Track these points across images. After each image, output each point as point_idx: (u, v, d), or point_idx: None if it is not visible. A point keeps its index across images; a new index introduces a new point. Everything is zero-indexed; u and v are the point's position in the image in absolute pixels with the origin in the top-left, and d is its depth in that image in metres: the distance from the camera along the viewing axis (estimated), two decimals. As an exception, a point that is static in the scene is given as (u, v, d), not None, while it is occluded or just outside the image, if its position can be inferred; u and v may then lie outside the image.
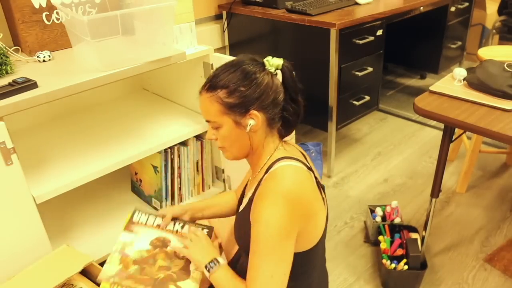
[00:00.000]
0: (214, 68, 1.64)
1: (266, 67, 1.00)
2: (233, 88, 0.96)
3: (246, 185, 1.16)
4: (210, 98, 0.97)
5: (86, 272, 1.23)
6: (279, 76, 1.01)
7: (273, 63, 0.99)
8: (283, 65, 1.00)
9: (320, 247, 1.05)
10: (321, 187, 1.04)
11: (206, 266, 1.01)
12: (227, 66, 0.99)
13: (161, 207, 1.72)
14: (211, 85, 0.98)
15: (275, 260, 0.90)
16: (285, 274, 0.91)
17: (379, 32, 2.18)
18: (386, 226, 1.72)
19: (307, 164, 1.02)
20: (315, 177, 1.03)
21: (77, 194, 1.86)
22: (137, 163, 1.76)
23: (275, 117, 1.00)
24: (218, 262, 1.01)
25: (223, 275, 0.99)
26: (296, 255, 0.96)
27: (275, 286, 0.90)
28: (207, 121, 1.01)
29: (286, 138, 1.07)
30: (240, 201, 1.16)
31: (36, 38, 1.44)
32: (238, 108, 0.96)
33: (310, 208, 0.96)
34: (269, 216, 0.90)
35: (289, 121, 1.03)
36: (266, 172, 0.98)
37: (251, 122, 0.97)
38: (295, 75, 1.03)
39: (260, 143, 1.02)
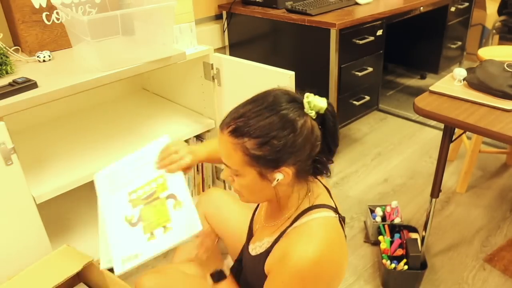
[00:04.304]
0: (216, 70, 1.65)
1: (305, 110, 0.82)
2: (265, 141, 0.79)
3: (254, 213, 1.09)
4: (234, 145, 0.81)
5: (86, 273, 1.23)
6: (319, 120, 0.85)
7: (315, 105, 0.82)
8: (326, 109, 0.83)
9: None
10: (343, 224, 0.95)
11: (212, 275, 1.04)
12: (259, 107, 0.81)
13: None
14: (237, 128, 0.80)
15: None
16: None
17: (379, 32, 2.18)
18: (386, 226, 1.72)
19: (334, 205, 0.91)
20: (340, 217, 0.92)
21: (77, 194, 1.86)
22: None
23: (306, 169, 0.86)
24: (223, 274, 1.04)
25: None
26: None
27: None
28: (226, 164, 0.86)
29: None
30: (250, 234, 1.07)
31: (36, 38, 1.44)
32: (267, 163, 0.81)
33: (333, 275, 0.86)
34: (288, 284, 0.82)
35: (320, 171, 0.88)
36: (293, 222, 0.88)
37: (279, 177, 0.82)
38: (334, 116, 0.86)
39: (286, 194, 0.89)
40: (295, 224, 0.87)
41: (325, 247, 0.82)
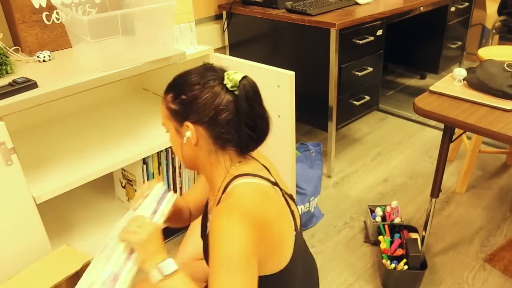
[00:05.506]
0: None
1: (224, 81, 0.90)
2: (176, 94, 0.92)
3: (207, 203, 1.08)
4: (163, 100, 0.96)
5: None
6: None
7: (232, 78, 0.88)
8: (240, 82, 0.88)
9: (292, 268, 0.94)
10: (289, 199, 0.98)
11: (158, 265, 0.83)
12: (185, 72, 0.95)
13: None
14: (167, 87, 0.96)
15: (238, 279, 0.77)
16: None
17: (379, 32, 2.18)
18: (386, 226, 1.72)
19: (271, 179, 0.94)
20: (282, 191, 0.96)
21: (77, 193, 1.86)
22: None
23: (221, 136, 0.90)
24: (173, 264, 0.83)
25: (180, 281, 0.82)
26: (263, 278, 0.88)
27: None
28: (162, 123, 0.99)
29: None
30: (203, 222, 1.08)
31: (36, 38, 1.44)
32: (177, 116, 0.92)
33: (273, 232, 0.87)
34: (230, 233, 0.79)
35: (245, 146, 0.92)
36: (224, 191, 0.90)
37: (187, 133, 0.91)
38: (257, 97, 0.91)
39: (207, 159, 0.94)
40: (226, 191, 0.90)
41: (255, 201, 0.85)
